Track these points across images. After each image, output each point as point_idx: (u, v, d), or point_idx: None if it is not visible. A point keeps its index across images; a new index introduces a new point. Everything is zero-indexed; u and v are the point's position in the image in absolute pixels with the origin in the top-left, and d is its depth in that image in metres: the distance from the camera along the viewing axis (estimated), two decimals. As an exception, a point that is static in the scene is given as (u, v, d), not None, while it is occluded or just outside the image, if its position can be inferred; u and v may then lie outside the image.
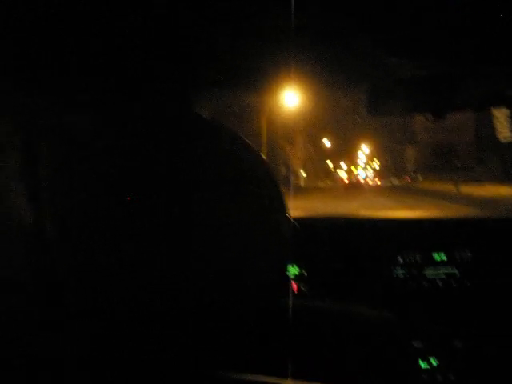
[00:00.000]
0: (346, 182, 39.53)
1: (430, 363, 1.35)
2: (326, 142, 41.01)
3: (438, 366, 1.35)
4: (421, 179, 28.03)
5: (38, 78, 0.49)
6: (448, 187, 17.25)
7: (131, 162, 0.35)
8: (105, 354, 0.36)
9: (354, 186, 31.35)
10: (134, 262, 0.34)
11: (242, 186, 0.40)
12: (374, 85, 1.16)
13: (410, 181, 31.09)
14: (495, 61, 1.10)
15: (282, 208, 0.44)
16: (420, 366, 1.34)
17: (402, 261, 1.39)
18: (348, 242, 1.41)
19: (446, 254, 1.40)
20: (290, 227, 0.46)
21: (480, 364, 1.35)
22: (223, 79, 1.07)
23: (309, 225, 1.39)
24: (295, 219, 0.86)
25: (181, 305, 0.36)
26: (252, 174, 0.42)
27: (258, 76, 1.14)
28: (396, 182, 33.73)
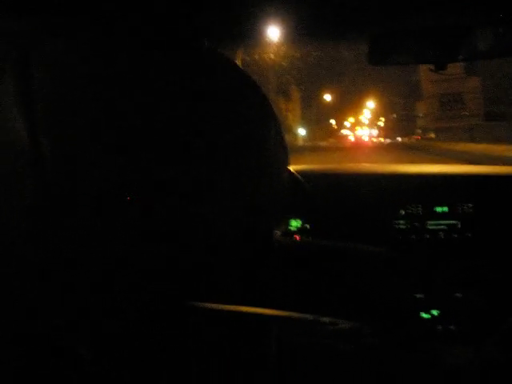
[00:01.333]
0: (351, 140, 38.73)
1: (431, 314, 1.37)
2: (327, 97, 39.19)
3: (439, 316, 1.36)
4: (433, 136, 25.64)
5: (29, 2, 0.46)
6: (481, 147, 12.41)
7: (119, 91, 0.35)
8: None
9: (359, 145, 30.09)
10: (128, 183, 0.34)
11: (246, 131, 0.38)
12: (376, 35, 1.15)
13: (419, 138, 29.71)
14: (501, 11, 1.06)
15: (284, 158, 0.43)
16: (421, 316, 1.35)
17: (403, 213, 1.40)
18: (351, 194, 1.41)
19: (447, 206, 1.41)
20: (289, 179, 0.43)
21: (480, 314, 1.36)
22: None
23: (312, 178, 1.36)
24: (298, 172, 0.84)
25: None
26: (257, 117, 0.40)
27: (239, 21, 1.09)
28: (405, 140, 32.57)
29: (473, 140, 18.12)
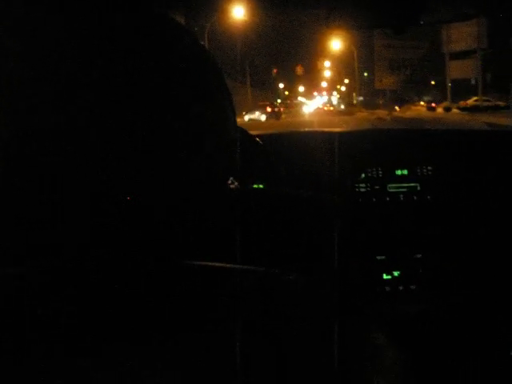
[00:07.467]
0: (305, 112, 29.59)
1: (392, 275, 1.43)
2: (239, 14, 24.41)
3: (399, 276, 1.43)
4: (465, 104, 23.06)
5: None
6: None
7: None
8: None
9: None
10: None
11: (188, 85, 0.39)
12: None
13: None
14: None
15: (230, 111, 0.44)
16: (383, 277, 1.42)
17: (364, 176, 1.44)
18: (312, 158, 1.43)
19: (407, 169, 1.45)
20: (237, 133, 0.45)
21: (439, 273, 1.44)
22: None
23: (272, 142, 1.41)
24: (257, 136, 0.84)
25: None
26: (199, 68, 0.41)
27: None
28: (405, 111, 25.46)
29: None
